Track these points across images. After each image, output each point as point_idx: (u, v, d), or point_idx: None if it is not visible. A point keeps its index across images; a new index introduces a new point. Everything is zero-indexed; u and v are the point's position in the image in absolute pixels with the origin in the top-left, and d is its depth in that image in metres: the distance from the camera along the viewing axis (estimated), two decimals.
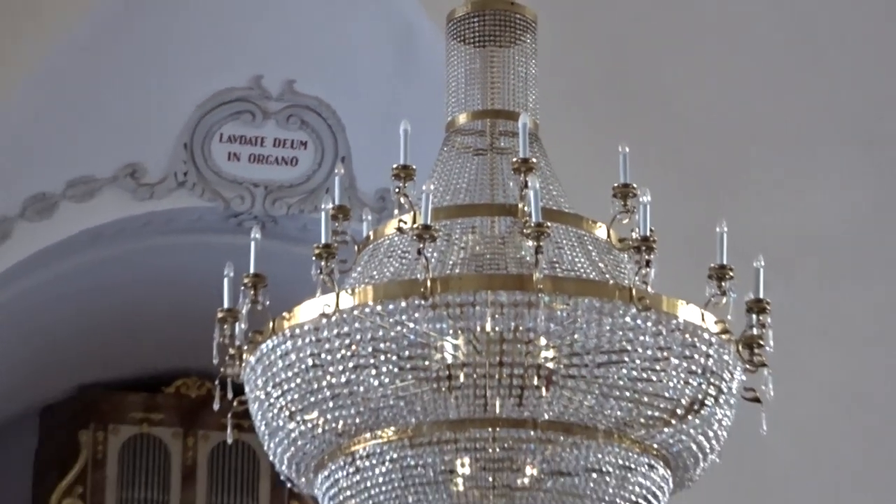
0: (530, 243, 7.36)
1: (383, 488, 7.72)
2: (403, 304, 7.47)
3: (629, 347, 7.46)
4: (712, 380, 7.66)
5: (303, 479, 8.06)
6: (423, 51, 11.04)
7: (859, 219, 11.88)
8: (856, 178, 11.78)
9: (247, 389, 7.91)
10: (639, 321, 7.45)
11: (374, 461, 7.70)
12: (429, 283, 7.40)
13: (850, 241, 11.79)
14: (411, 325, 7.50)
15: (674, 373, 7.57)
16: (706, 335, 7.62)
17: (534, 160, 7.56)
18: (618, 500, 7.78)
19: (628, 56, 11.65)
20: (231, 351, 7.96)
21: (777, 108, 12.00)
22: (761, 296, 7.87)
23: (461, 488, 7.64)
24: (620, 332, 7.44)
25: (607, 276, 7.70)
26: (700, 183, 11.24)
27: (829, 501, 11.60)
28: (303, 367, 7.62)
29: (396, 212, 7.98)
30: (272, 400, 7.76)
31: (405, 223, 7.78)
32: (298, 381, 7.64)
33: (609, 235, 7.97)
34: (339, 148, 13.04)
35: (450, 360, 7.52)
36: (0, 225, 13.10)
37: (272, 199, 13.22)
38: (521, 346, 7.45)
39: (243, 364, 7.88)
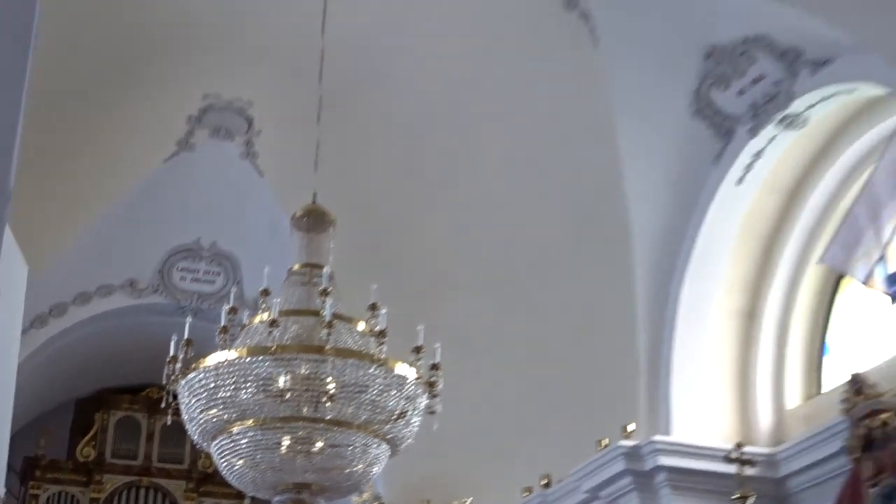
0: (325, 331, 7.45)
1: (245, 450, 7.64)
2: (261, 357, 7.49)
3: (370, 384, 7.51)
4: (411, 403, 7.71)
5: (205, 444, 7.94)
6: (281, 231, 10.86)
7: (488, 320, 11.84)
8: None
9: (180, 397, 7.81)
10: (376, 371, 7.53)
11: (241, 436, 7.61)
12: (274, 347, 7.46)
13: (482, 332, 11.71)
14: (265, 368, 7.50)
15: (392, 398, 7.61)
16: (409, 380, 7.66)
17: (329, 289, 7.58)
18: (362, 460, 7.77)
19: (374, 229, 11.47)
20: (173, 377, 7.86)
21: (455, 249, 11.65)
22: (437, 361, 7.93)
23: (283, 451, 7.59)
24: (367, 377, 7.51)
25: (362, 348, 7.69)
26: (414, 298, 10.99)
27: (470, 457, 11.57)
28: (209, 387, 7.56)
29: (260, 311, 7.97)
30: (192, 403, 7.68)
31: (264, 317, 7.78)
32: (206, 394, 7.58)
33: (365, 328, 7.99)
34: (237, 276, 12.78)
35: (282, 386, 7.50)
36: (59, 307, 12.78)
37: (201, 300, 12.91)
38: (318, 381, 7.47)
39: (179, 384, 7.79)
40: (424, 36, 10.17)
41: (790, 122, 9.68)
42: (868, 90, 9.09)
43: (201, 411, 7.66)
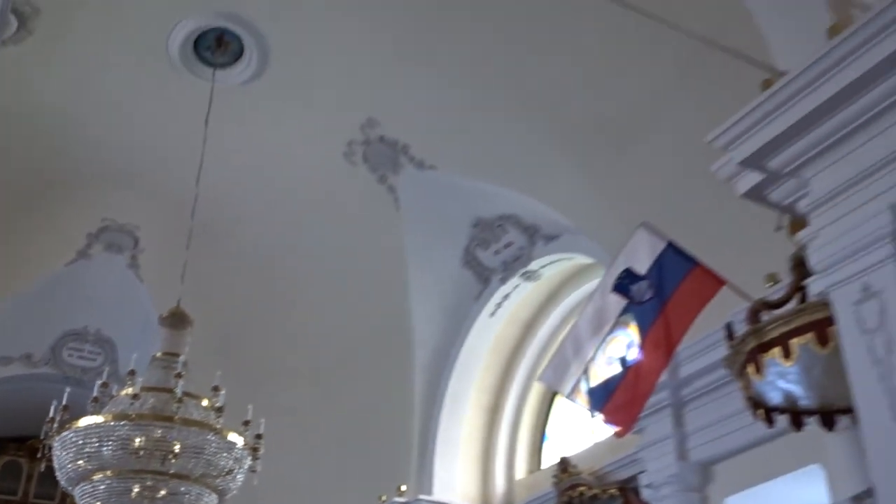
0: (176, 405, 7.18)
1: (102, 495, 7.19)
2: (123, 422, 7.15)
3: (207, 447, 7.25)
4: (238, 463, 7.46)
5: (70, 488, 7.43)
6: (152, 326, 10.27)
7: (305, 402, 11.45)
8: None
9: (54, 449, 7.34)
10: (213, 437, 7.28)
11: (101, 483, 7.18)
12: (134, 415, 7.12)
13: (300, 411, 10.92)
14: (124, 430, 7.15)
15: (223, 458, 7.35)
16: (238, 445, 7.44)
17: (183, 373, 7.32)
18: None
19: (223, 330, 10.76)
20: (50, 434, 7.39)
21: (283, 349, 10.96)
22: (261, 432, 7.67)
23: (133, 496, 7.17)
24: (205, 442, 7.24)
25: (204, 420, 7.42)
26: (249, 384, 10.02)
27: None
28: (78, 443, 7.16)
29: (126, 386, 7.60)
30: (63, 455, 7.23)
31: (129, 391, 7.43)
32: (75, 449, 7.16)
33: (208, 404, 7.68)
34: (114, 357, 11.88)
35: (138, 444, 7.14)
36: None
37: (83, 374, 11.93)
38: (166, 443, 7.16)
39: (54, 439, 7.33)
40: (274, 191, 10.23)
41: (529, 276, 10.14)
42: (582, 259, 9.70)
43: (70, 462, 7.25)
